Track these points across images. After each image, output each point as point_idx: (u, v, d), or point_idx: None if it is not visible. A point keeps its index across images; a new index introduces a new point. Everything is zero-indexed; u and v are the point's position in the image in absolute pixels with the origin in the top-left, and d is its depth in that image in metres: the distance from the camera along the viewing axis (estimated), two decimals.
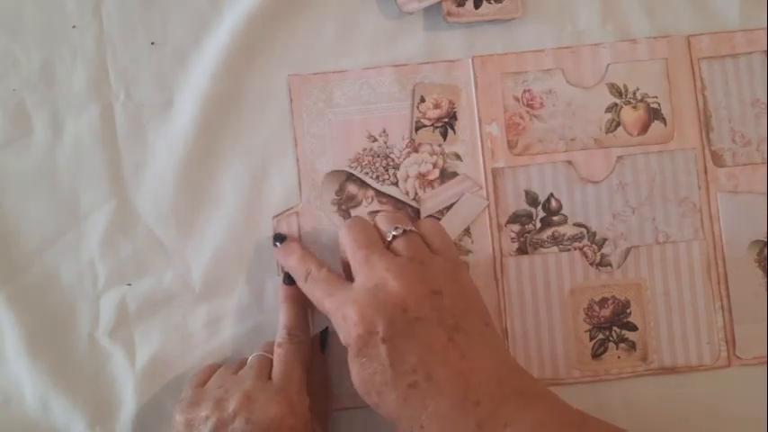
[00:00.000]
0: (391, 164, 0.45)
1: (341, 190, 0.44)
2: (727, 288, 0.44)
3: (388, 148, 0.45)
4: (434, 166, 0.45)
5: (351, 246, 0.37)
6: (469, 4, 0.45)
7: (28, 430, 0.43)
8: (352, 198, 0.44)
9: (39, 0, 0.45)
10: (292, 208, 0.44)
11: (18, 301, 0.44)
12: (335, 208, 0.44)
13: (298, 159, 0.44)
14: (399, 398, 0.34)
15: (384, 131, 0.45)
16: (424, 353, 0.34)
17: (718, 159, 0.45)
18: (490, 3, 0.45)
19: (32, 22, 0.45)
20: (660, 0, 0.46)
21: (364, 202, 0.44)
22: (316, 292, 0.38)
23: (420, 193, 0.44)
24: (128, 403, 0.43)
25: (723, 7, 0.46)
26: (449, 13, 0.45)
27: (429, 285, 0.35)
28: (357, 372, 0.35)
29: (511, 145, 0.45)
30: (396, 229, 0.38)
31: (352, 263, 0.37)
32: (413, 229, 0.38)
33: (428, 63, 0.45)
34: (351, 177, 0.44)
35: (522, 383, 0.35)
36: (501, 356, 0.36)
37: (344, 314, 0.35)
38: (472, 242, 0.44)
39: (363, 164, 0.44)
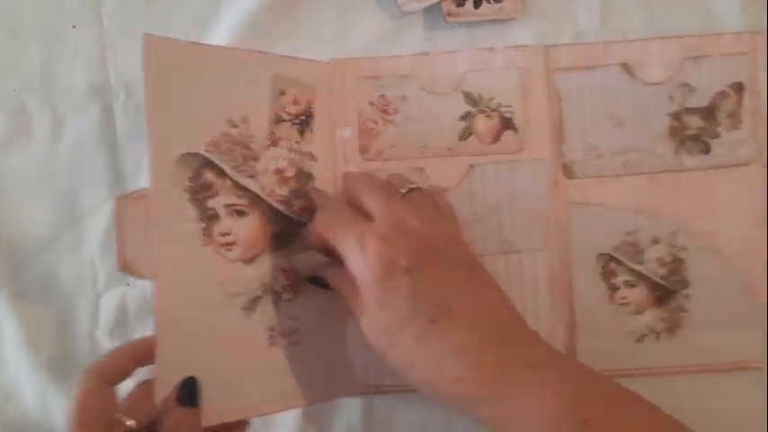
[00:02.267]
0: (251, 154, 0.42)
1: (196, 176, 0.40)
2: (572, 301, 0.44)
3: (248, 136, 0.42)
4: (291, 163, 0.43)
5: (369, 187, 0.37)
6: (469, 4, 0.45)
7: (28, 430, 0.44)
8: (208, 187, 0.40)
9: (39, 0, 0.46)
10: (139, 190, 0.42)
11: (18, 300, 0.44)
12: (188, 196, 0.39)
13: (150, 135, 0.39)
14: (418, 334, 0.33)
15: (245, 118, 0.42)
16: (446, 287, 0.34)
17: (568, 171, 0.45)
18: (490, 3, 0.45)
19: (33, 22, 0.46)
20: (660, 0, 0.46)
21: (221, 193, 0.41)
22: (332, 220, 0.37)
23: (277, 190, 0.43)
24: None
25: (724, 8, 0.46)
26: (449, 14, 0.45)
27: (445, 231, 0.37)
28: (376, 308, 0.34)
29: (363, 150, 0.45)
30: (411, 183, 0.39)
31: (371, 204, 0.37)
32: (420, 186, 0.39)
33: (290, 57, 0.44)
34: (208, 163, 0.41)
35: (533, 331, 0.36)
36: (508, 299, 0.37)
37: (364, 245, 0.35)
38: None
39: (222, 150, 0.41)
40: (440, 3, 0.45)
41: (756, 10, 0.46)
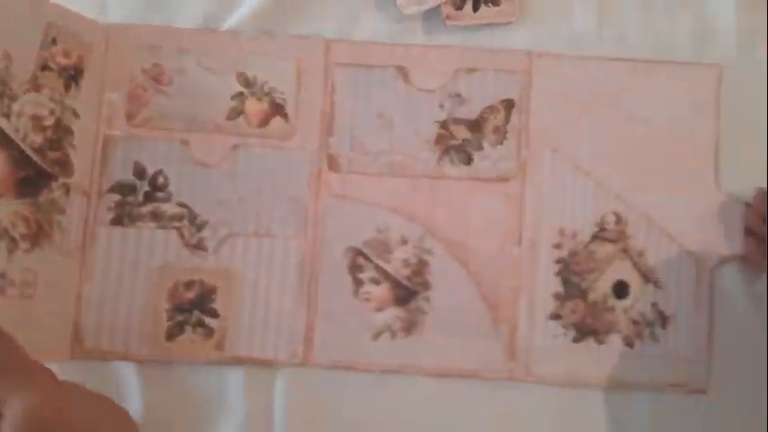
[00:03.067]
0: (8, 92, 0.40)
1: None
2: (317, 290, 0.45)
3: (8, 74, 0.40)
4: (51, 113, 0.42)
5: None
6: (468, 8, 0.46)
7: None
8: None
9: None
10: None
11: None
12: None
13: None
14: None
15: (7, 54, 0.40)
16: None
17: (333, 164, 0.45)
18: (488, 6, 0.46)
19: None
20: (656, 3, 0.47)
21: None
22: None
23: (32, 135, 0.41)
24: (129, 402, 0.43)
25: (719, 10, 0.47)
26: (448, 17, 0.46)
27: None
28: None
29: (130, 115, 0.45)
30: None
31: None
32: None
33: (71, 10, 0.43)
34: None
35: None
36: None
37: None
38: (69, 202, 0.43)
39: None
40: (439, 6, 0.46)
41: (752, 11, 0.47)
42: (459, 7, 0.46)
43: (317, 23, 0.46)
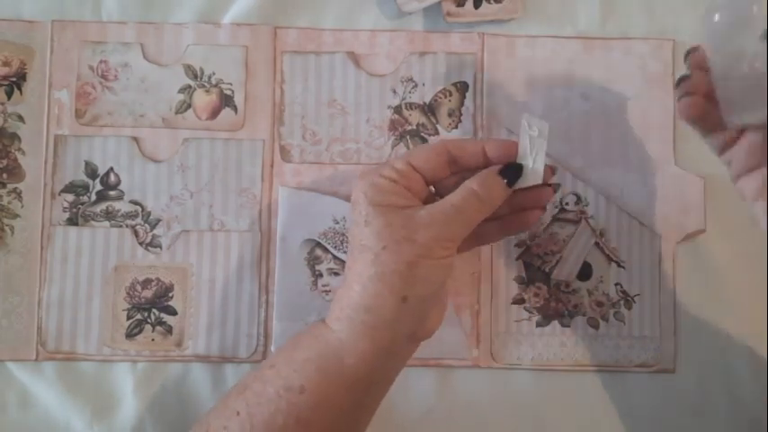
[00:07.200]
0: None
1: None
2: (274, 284, 0.44)
3: None
4: None
5: None
6: (469, 5, 0.45)
7: (28, 428, 0.43)
8: None
9: (37, 0, 0.45)
10: None
11: None
12: None
13: None
14: None
15: None
16: None
17: (285, 154, 0.45)
18: (490, 3, 0.45)
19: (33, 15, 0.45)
20: (660, 0, 0.46)
21: None
22: None
23: None
24: (127, 402, 0.43)
25: None
26: (448, 14, 0.45)
27: None
28: None
29: (79, 114, 0.44)
30: None
31: None
32: None
33: (4, 20, 0.44)
34: None
35: None
36: None
37: None
38: (22, 206, 0.43)
39: None
40: (440, 3, 0.45)
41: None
42: (461, 4, 0.45)
43: (316, 21, 0.45)
